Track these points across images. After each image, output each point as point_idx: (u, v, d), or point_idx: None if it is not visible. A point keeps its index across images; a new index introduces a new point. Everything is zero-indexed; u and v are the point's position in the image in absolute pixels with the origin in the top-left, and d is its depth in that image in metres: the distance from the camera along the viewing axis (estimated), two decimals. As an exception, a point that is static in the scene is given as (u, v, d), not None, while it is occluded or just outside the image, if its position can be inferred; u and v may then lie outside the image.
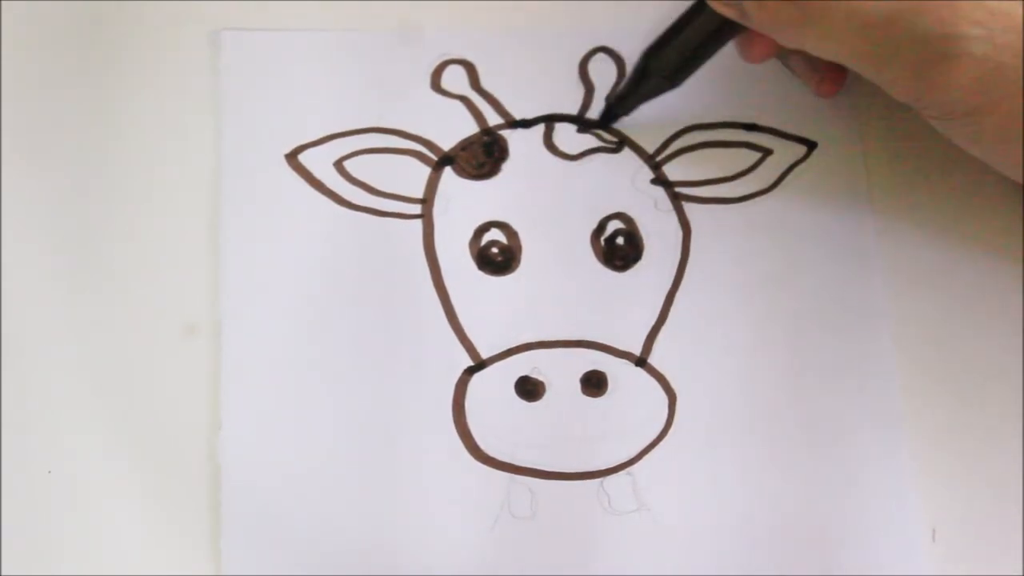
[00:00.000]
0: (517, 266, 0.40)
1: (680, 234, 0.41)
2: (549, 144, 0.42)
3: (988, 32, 0.32)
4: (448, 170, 0.41)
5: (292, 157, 0.41)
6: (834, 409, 0.39)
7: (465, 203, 0.41)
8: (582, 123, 0.42)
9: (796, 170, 0.42)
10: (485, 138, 0.42)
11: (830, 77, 0.41)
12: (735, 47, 0.40)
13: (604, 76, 0.43)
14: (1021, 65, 0.33)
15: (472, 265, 0.40)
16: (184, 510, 0.37)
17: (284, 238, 0.40)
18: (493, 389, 0.39)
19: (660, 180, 0.42)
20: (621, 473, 0.38)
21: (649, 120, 0.42)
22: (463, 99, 0.42)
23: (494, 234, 0.41)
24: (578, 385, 0.39)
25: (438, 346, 0.39)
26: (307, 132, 0.41)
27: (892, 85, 0.35)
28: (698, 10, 0.39)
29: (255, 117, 0.41)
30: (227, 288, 0.39)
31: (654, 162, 0.42)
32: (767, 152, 0.42)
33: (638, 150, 0.42)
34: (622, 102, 0.42)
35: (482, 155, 0.42)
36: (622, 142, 0.42)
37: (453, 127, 0.42)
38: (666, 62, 0.40)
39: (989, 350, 0.40)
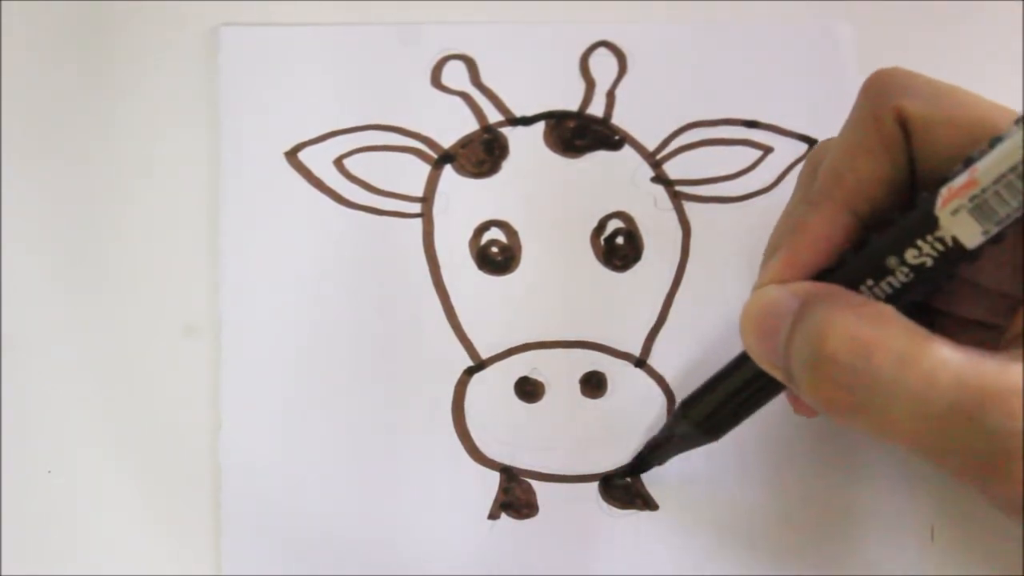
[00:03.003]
0: (517, 266, 0.40)
1: (680, 233, 0.41)
2: (549, 142, 0.42)
3: None
4: (448, 168, 0.41)
5: (292, 155, 0.41)
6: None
7: (465, 201, 0.41)
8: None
9: (797, 168, 0.41)
10: (485, 136, 0.42)
11: None
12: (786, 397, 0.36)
13: (605, 71, 0.43)
14: None
15: (472, 264, 0.40)
16: (184, 510, 0.37)
17: (284, 236, 0.40)
18: (493, 390, 0.38)
19: (660, 178, 0.41)
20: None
21: (649, 117, 0.42)
22: (463, 95, 0.42)
23: (494, 233, 0.40)
24: (577, 386, 0.39)
25: (438, 346, 0.39)
26: (307, 129, 0.41)
27: (954, 475, 0.31)
28: (741, 363, 0.34)
29: (254, 114, 0.41)
30: (227, 287, 0.39)
31: (654, 160, 0.42)
32: (768, 150, 0.42)
33: (638, 147, 0.42)
34: (655, 451, 0.37)
35: (482, 153, 0.41)
36: (622, 139, 0.42)
37: (453, 124, 0.42)
38: (702, 412, 0.35)
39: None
